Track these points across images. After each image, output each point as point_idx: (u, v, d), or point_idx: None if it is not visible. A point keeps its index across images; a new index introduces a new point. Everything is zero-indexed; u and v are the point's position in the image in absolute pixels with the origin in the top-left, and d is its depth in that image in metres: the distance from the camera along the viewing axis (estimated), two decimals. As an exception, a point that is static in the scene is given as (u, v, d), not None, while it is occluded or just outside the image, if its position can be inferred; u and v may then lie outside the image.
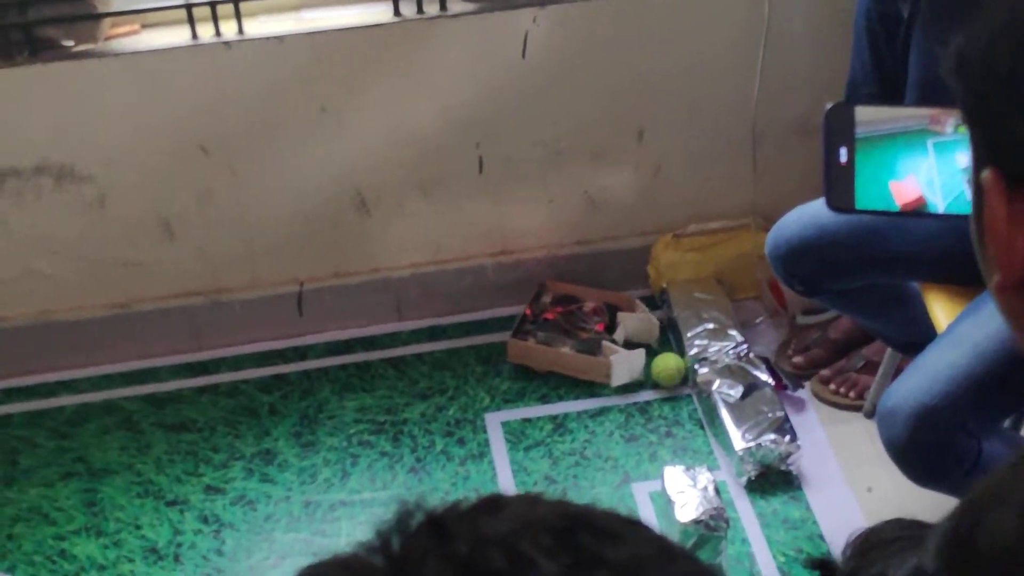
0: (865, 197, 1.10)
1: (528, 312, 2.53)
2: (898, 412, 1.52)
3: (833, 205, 1.11)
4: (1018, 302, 0.59)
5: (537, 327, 2.49)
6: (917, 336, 1.91)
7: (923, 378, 1.51)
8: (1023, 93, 0.54)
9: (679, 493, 1.94)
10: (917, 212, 1.09)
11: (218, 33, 2.26)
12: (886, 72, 2.09)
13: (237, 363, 2.55)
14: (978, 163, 0.59)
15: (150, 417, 2.44)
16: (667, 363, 2.41)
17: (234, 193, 2.43)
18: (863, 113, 1.13)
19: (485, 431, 2.37)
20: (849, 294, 1.98)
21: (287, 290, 2.57)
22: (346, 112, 2.37)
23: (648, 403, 2.40)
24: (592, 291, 2.57)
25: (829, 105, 1.14)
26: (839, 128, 1.12)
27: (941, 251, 1.68)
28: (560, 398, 2.42)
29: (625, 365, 2.39)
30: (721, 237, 2.61)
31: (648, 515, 2.16)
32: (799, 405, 2.35)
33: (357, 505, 2.23)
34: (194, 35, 2.26)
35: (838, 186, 1.10)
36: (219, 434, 2.40)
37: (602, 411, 2.39)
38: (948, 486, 1.55)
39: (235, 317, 2.56)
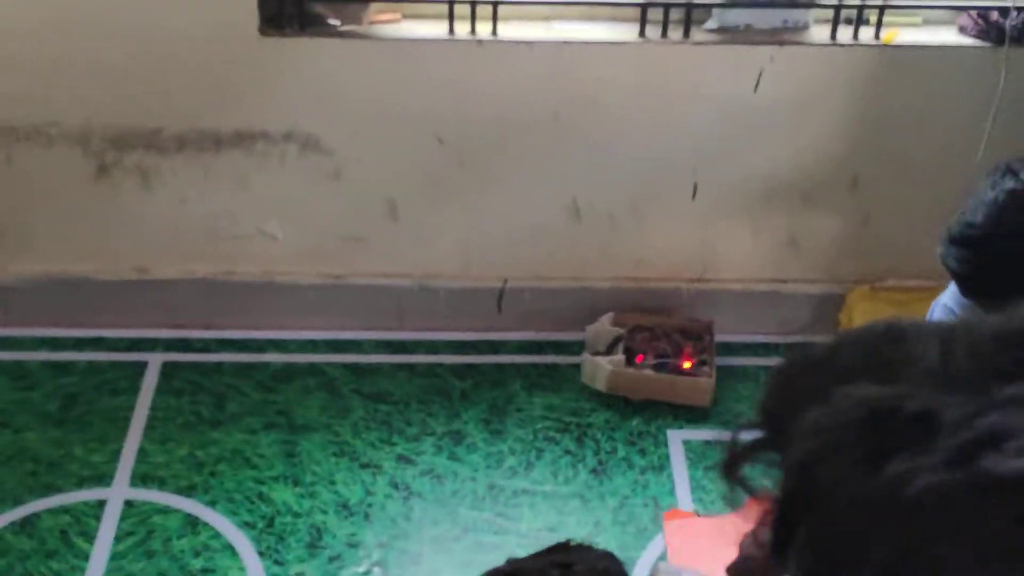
0: None
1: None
2: None
3: None
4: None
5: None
6: None
7: None
8: None
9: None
10: None
11: (474, 31, 2.39)
12: None
13: (435, 347, 2.67)
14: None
15: (350, 384, 2.56)
16: None
17: (459, 185, 2.55)
18: None
19: (666, 446, 2.44)
20: None
21: (491, 285, 2.68)
22: (577, 121, 2.47)
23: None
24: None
25: None
26: None
27: None
28: (743, 425, 2.47)
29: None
30: (919, 295, 2.63)
31: None
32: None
33: (539, 495, 2.31)
34: (451, 30, 2.39)
35: None
36: (413, 409, 2.51)
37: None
38: None
39: (439, 304, 2.67)
